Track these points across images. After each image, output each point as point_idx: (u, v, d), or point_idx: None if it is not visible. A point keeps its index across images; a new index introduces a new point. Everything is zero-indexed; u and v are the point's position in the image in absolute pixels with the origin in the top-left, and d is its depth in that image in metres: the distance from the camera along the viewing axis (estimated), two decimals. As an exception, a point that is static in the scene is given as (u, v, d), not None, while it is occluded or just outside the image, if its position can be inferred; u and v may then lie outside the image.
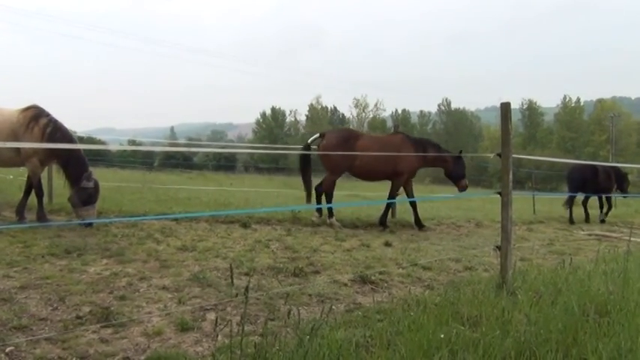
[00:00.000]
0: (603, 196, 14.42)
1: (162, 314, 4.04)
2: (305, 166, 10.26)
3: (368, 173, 10.29)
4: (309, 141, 10.34)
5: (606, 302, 3.98)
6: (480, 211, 14.14)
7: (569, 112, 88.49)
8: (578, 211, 14.23)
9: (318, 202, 9.96)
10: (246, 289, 2.69)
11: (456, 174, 10.44)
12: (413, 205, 10.19)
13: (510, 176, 4.87)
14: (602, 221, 14.15)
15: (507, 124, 4.80)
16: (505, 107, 4.82)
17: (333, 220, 9.54)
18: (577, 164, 15.36)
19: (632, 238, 9.64)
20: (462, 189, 10.53)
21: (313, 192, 10.02)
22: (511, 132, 4.87)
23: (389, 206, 10.29)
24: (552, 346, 3.16)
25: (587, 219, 13.98)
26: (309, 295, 4.76)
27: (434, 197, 10.63)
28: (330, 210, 9.66)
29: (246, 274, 5.37)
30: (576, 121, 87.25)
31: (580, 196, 14.39)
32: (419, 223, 10.02)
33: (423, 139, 11.23)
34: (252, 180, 33.02)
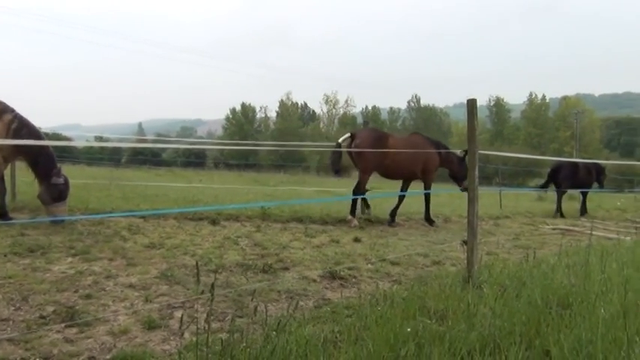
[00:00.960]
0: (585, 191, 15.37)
1: (129, 313, 3.99)
2: (337, 165, 10.28)
3: (397, 172, 10.57)
4: (340, 140, 10.31)
5: (568, 295, 4.08)
6: (448, 207, 14.33)
7: (535, 108, 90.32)
8: (544, 206, 14.52)
9: (354, 205, 10.06)
10: (212, 286, 2.68)
11: (460, 175, 10.89)
12: (400, 199, 10.51)
13: (476, 172, 4.94)
14: (583, 214, 14.97)
15: (473, 121, 4.86)
16: (471, 104, 4.88)
17: (352, 217, 9.73)
18: (560, 161, 16.16)
19: (593, 232, 9.92)
20: (464, 189, 10.11)
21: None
22: (477, 128, 4.94)
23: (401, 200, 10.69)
24: (516, 338, 3.23)
25: (561, 213, 14.53)
26: (278, 291, 4.75)
27: (402, 193, 10.71)
28: (353, 208, 9.89)
29: (215, 271, 5.34)
30: (542, 118, 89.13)
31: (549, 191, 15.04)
32: (392, 215, 10.30)
33: (438, 141, 11.68)
34: (222, 176, 32.76)
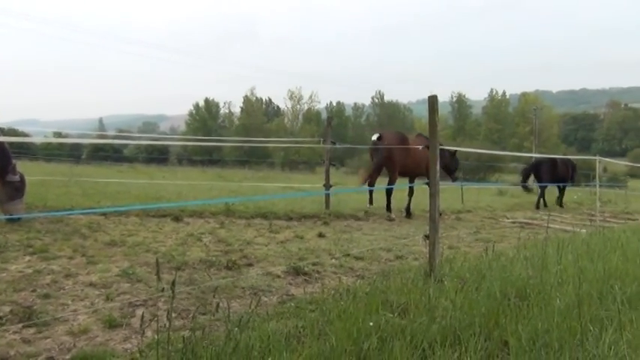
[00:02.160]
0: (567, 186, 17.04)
1: (89, 312, 3.92)
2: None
3: (415, 170, 11.50)
4: (375, 138, 11.39)
5: (526, 286, 4.19)
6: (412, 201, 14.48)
7: (496, 104, 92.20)
8: (505, 201, 14.84)
9: (389, 201, 10.95)
10: (173, 283, 2.66)
11: (453, 168, 12.88)
12: (388, 192, 11.17)
13: (437, 167, 5.02)
14: (561, 206, 16.42)
15: (434, 117, 4.93)
16: (432, 100, 4.95)
17: (390, 213, 10.69)
18: (540, 158, 17.67)
19: (551, 225, 10.20)
20: (454, 180, 13.75)
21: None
22: (438, 124, 5.01)
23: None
24: (476, 330, 3.30)
25: (545, 204, 16.04)
26: (242, 287, 4.74)
27: (366, 188, 10.83)
28: (388, 204, 10.87)
29: (178, 269, 5.30)
30: (502, 114, 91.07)
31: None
32: (407, 210, 11.42)
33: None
34: (185, 173, 32.42)
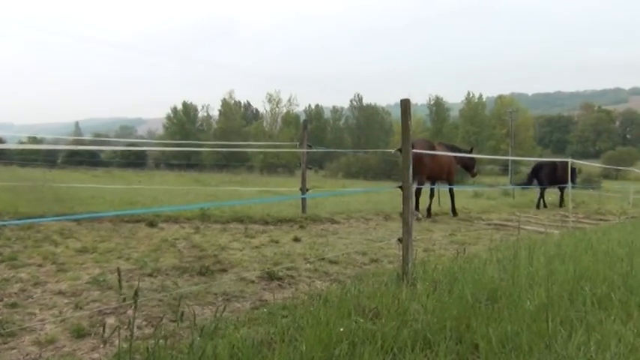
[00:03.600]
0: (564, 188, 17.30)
1: (57, 321, 3.84)
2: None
3: (438, 174, 12.74)
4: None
5: (497, 289, 4.22)
6: (389, 204, 14.52)
7: (473, 107, 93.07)
8: (480, 203, 14.98)
9: (417, 201, 11.61)
10: (136, 292, 2.62)
11: (471, 165, 14.48)
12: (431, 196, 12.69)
13: (410, 171, 5.03)
14: (561, 206, 17.19)
15: (407, 120, 4.95)
16: (405, 104, 4.96)
17: (417, 212, 11.49)
18: (542, 161, 18.77)
19: (525, 227, 10.32)
20: (474, 175, 15.37)
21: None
22: (411, 128, 5.02)
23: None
24: (447, 334, 3.31)
25: (544, 205, 17.16)
26: (215, 294, 4.70)
27: (344, 191, 10.83)
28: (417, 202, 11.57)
29: (150, 275, 5.24)
30: (479, 116, 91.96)
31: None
32: (428, 211, 12.34)
33: (453, 145, 14.94)
34: (162, 177, 32.11)
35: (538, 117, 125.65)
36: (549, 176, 16.92)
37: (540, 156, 70.36)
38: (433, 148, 12.17)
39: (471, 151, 14.70)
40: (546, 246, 6.47)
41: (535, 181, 17.84)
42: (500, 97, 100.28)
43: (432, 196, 12.72)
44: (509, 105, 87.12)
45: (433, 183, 13.06)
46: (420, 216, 11.58)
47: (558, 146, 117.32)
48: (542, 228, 10.08)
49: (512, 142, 67.91)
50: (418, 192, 11.84)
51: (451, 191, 13.00)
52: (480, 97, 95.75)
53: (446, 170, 12.85)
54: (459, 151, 13.98)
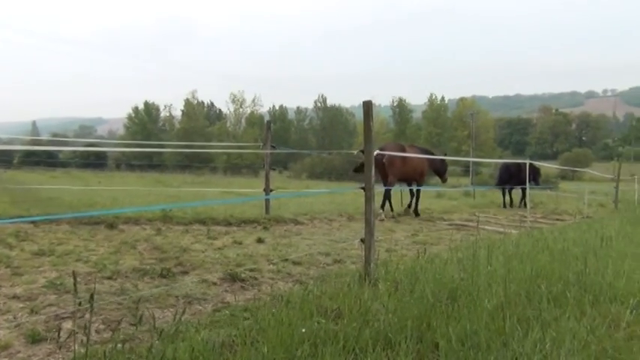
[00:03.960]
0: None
1: (11, 326, 3.73)
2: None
3: (411, 176, 13.22)
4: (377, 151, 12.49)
5: (457, 288, 4.29)
6: (352, 205, 14.61)
7: (435, 109, 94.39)
8: (442, 203, 15.19)
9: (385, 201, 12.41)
10: (91, 295, 2.56)
11: (443, 170, 14.78)
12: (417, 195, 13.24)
13: (373, 172, 5.06)
14: (524, 206, 17.23)
15: (369, 122, 4.98)
16: (367, 105, 4.99)
17: (381, 212, 11.88)
18: (506, 162, 19.33)
19: (485, 227, 10.52)
20: (444, 181, 15.66)
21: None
22: (373, 129, 5.06)
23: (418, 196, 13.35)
24: (408, 333, 3.35)
25: (511, 204, 17.88)
26: (176, 296, 4.64)
27: (308, 192, 10.84)
28: (384, 203, 12.25)
29: (109, 278, 5.14)
30: (441, 118, 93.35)
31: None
32: (415, 211, 12.98)
33: (426, 148, 15.62)
34: (123, 178, 31.54)
35: (498, 119, 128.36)
36: (516, 177, 17.55)
37: (500, 157, 71.78)
38: (404, 151, 12.63)
39: (444, 160, 15.22)
40: (505, 246, 6.61)
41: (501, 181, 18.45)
42: (461, 99, 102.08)
43: (412, 195, 13.33)
44: (470, 107, 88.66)
45: (409, 184, 13.56)
46: (383, 217, 11.76)
47: (518, 148, 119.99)
48: (501, 228, 10.29)
49: (474, 144, 69.03)
50: (389, 193, 12.46)
51: (417, 192, 13.35)
52: (442, 99, 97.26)
53: (418, 172, 13.30)
54: (432, 155, 14.27)
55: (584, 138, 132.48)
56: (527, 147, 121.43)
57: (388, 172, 12.42)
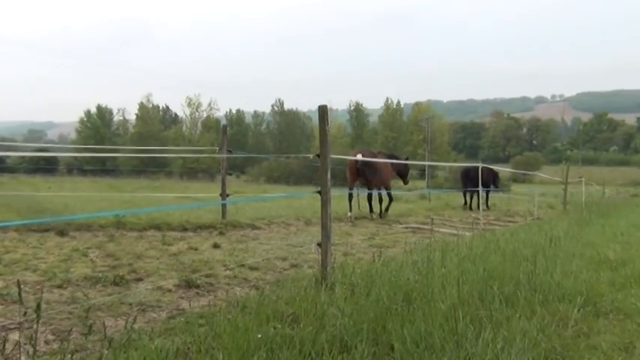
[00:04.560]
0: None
1: (-46, 339, 3.58)
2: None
3: (380, 181, 13.68)
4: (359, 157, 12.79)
5: (412, 290, 4.34)
6: (310, 209, 14.61)
7: (391, 113, 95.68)
8: (398, 207, 15.38)
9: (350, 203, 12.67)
10: (38, 305, 2.49)
11: (405, 173, 15.77)
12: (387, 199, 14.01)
13: (329, 175, 5.08)
14: (487, 208, 18.34)
15: (324, 126, 5.00)
16: (322, 110, 5.02)
17: (350, 215, 12.40)
18: (469, 166, 20.06)
19: (439, 230, 10.70)
20: (406, 183, 16.67)
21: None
22: (329, 133, 5.08)
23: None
24: (364, 336, 3.37)
25: (471, 207, 18.46)
26: (129, 304, 4.54)
27: (265, 197, 10.80)
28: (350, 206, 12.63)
29: (60, 287, 4.99)
30: (397, 122, 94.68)
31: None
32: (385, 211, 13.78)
33: (392, 154, 16.81)
34: (75, 183, 30.68)
35: (452, 123, 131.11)
36: (475, 180, 18.10)
37: (455, 161, 73.29)
38: (377, 157, 13.67)
39: (406, 160, 16.54)
40: (458, 248, 6.73)
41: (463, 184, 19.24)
42: (417, 103, 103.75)
43: (385, 200, 13.99)
44: (425, 111, 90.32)
45: (379, 188, 14.06)
46: (353, 219, 12.32)
47: (471, 151, 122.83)
48: (455, 230, 10.48)
49: (429, 147, 70.29)
50: (359, 196, 13.59)
51: (382, 196, 14.08)
52: (398, 103, 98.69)
53: (385, 177, 14.10)
54: (398, 159, 15.32)
55: (534, 142, 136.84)
56: (481, 150, 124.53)
57: (368, 176, 13.22)
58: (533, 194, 18.63)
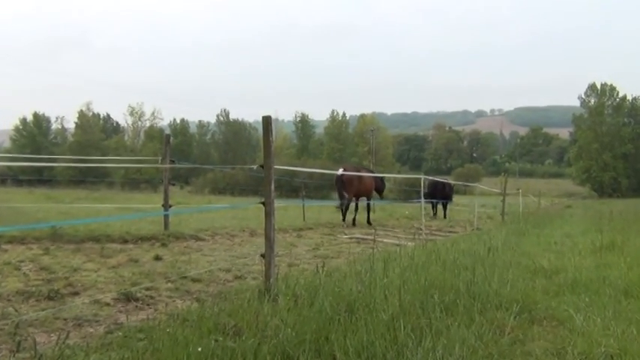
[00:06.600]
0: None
1: None
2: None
3: (364, 192, 15.63)
4: (339, 172, 14.90)
5: (355, 300, 4.38)
6: (255, 220, 14.51)
7: (337, 125, 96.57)
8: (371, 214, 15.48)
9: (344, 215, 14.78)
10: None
11: (381, 189, 17.86)
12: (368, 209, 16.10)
13: (272, 186, 5.08)
14: (445, 217, 20.22)
15: (269, 137, 5.00)
16: (266, 121, 5.02)
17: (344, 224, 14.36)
18: (433, 180, 21.49)
19: (382, 240, 10.84)
20: (382, 198, 19.52)
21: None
22: (273, 144, 5.09)
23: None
24: (307, 347, 3.37)
25: (435, 215, 20.56)
26: (65, 319, 4.37)
27: (209, 207, 10.65)
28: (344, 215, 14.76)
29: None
30: (343, 134, 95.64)
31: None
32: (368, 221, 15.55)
33: (368, 167, 19.46)
34: (9, 194, 29.41)
35: (397, 135, 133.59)
36: (440, 193, 20.45)
37: (399, 172, 74.45)
38: (360, 170, 16.02)
39: (382, 179, 18.32)
40: (401, 258, 6.82)
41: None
42: (362, 115, 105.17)
43: (356, 209, 15.53)
44: (370, 123, 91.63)
45: (359, 199, 15.73)
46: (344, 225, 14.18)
47: (415, 163, 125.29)
48: (397, 241, 10.64)
49: (374, 159, 71.30)
50: (347, 207, 14.83)
51: (368, 205, 16.12)
52: (344, 115, 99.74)
53: (369, 189, 15.99)
54: (372, 172, 17.95)
55: (474, 154, 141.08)
56: (424, 162, 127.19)
57: (348, 188, 14.82)
58: (473, 205, 19.12)
